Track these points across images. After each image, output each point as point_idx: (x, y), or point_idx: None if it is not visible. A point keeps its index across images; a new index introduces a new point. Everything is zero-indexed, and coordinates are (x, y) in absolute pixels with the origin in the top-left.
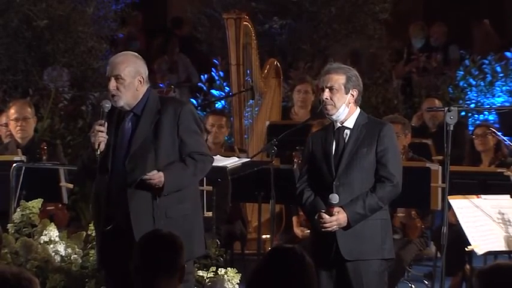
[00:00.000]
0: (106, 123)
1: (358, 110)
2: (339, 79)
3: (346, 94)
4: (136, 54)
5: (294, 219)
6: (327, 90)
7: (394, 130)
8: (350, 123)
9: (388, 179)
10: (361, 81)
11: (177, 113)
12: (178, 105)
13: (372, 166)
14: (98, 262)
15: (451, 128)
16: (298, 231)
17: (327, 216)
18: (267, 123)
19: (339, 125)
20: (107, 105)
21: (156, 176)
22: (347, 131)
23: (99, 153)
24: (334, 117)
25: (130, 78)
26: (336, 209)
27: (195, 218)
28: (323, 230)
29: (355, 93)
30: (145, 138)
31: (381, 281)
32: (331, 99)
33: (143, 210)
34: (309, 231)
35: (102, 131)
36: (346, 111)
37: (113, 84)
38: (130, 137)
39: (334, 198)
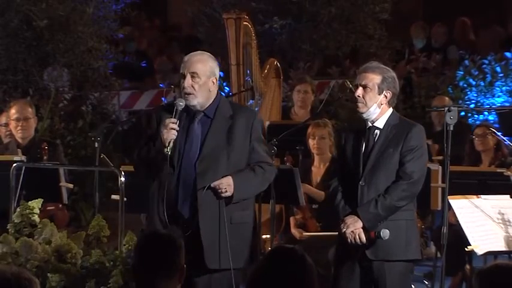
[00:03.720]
0: (178, 122)
1: (391, 110)
2: (374, 78)
3: (379, 94)
4: (212, 56)
5: (291, 220)
6: (360, 88)
7: (424, 131)
8: (380, 123)
9: (403, 177)
10: (397, 84)
11: (250, 122)
12: (251, 114)
13: (397, 166)
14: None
15: (451, 128)
16: (295, 232)
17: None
18: (267, 123)
19: (370, 124)
20: (181, 103)
21: (225, 183)
22: (377, 131)
23: (169, 150)
24: (364, 115)
25: (206, 77)
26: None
27: (252, 227)
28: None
29: (388, 94)
30: (218, 142)
31: (405, 283)
32: (363, 97)
33: (211, 214)
34: (306, 233)
35: (175, 129)
36: (377, 112)
37: (188, 81)
38: (202, 138)
39: (385, 233)
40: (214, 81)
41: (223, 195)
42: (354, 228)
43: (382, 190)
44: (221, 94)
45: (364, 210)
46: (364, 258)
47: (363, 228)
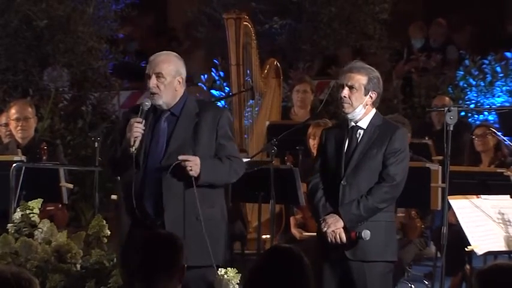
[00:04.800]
0: (143, 121)
1: (374, 110)
2: (360, 79)
3: (365, 95)
4: (177, 55)
5: (291, 220)
6: (347, 88)
7: (407, 134)
8: (364, 123)
9: (386, 179)
10: (382, 84)
11: (217, 119)
12: (218, 111)
13: (380, 168)
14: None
15: (451, 128)
16: (295, 232)
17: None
18: (267, 123)
19: (353, 124)
20: (147, 103)
21: (192, 158)
22: (360, 131)
23: (134, 149)
24: (349, 116)
25: (171, 77)
26: (329, 216)
27: (222, 224)
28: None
29: (374, 95)
30: (184, 139)
31: (385, 283)
32: (349, 97)
33: (177, 211)
34: (306, 233)
35: (140, 128)
36: (362, 112)
37: (153, 81)
38: (168, 136)
39: (366, 234)
40: (180, 80)
41: (190, 173)
42: (335, 227)
43: (364, 190)
44: (187, 93)
45: (346, 210)
46: (343, 258)
47: (344, 228)
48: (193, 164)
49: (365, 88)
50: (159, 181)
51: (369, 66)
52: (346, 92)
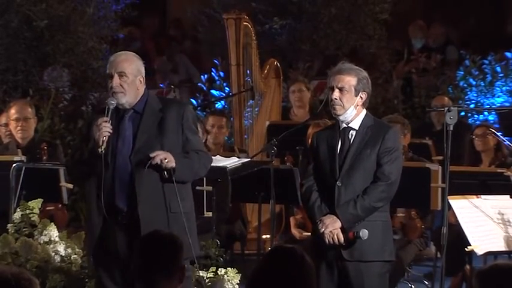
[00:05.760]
0: (110, 121)
1: (365, 111)
2: (350, 80)
3: (356, 96)
4: (137, 55)
5: (291, 220)
6: (337, 90)
7: (399, 133)
8: (356, 124)
9: (381, 179)
10: (370, 84)
11: (181, 113)
12: (181, 105)
13: (374, 167)
14: (94, 259)
15: (451, 128)
16: (295, 232)
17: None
18: (267, 123)
19: (345, 125)
20: (113, 102)
21: (161, 152)
22: (352, 132)
23: (103, 149)
24: (341, 117)
25: (133, 76)
26: (326, 216)
27: (192, 217)
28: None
29: (364, 96)
30: (150, 135)
31: (383, 283)
32: (340, 99)
33: (151, 204)
34: (306, 233)
35: (108, 127)
36: (353, 113)
37: (116, 81)
38: (134, 133)
39: (364, 233)
40: (141, 79)
41: (167, 165)
42: (333, 228)
43: (359, 190)
44: (148, 90)
45: (343, 210)
46: (340, 259)
47: (341, 228)
48: (168, 156)
49: (355, 89)
50: (129, 178)
51: (357, 67)
52: (337, 94)
